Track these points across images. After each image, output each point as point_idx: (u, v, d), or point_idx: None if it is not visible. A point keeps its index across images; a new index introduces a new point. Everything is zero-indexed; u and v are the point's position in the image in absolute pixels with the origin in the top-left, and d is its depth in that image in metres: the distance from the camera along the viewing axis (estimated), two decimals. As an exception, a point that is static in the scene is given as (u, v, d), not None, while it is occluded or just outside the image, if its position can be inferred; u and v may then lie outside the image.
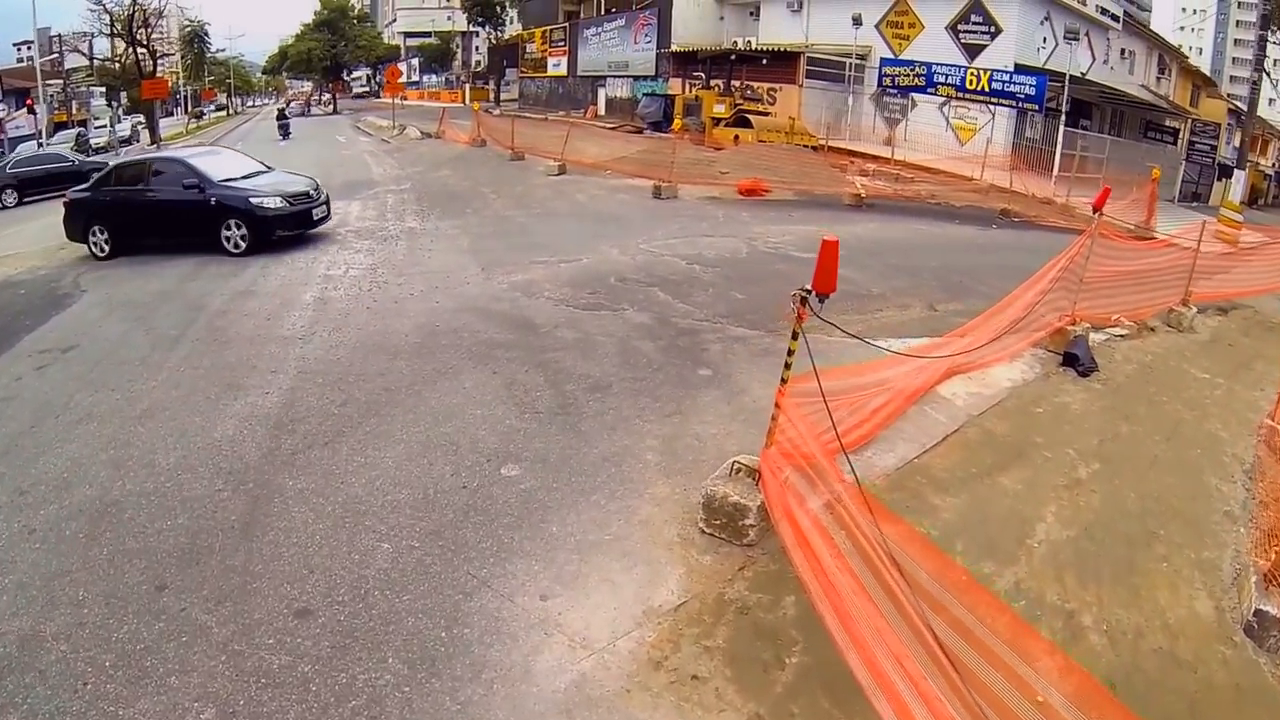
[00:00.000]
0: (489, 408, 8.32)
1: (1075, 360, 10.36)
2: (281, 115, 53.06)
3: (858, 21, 36.48)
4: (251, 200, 15.91)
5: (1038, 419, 8.78)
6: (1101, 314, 11.73)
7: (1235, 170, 30.23)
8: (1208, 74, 67.49)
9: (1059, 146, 29.85)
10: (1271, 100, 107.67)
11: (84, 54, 76.70)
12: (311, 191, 17.23)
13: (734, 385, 9.04)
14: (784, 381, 6.06)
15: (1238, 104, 52.45)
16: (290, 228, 16.38)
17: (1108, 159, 31.13)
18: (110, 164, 16.22)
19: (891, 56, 36.59)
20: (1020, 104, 29.41)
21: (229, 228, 15.72)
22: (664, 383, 9.01)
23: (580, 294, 12.33)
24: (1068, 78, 29.73)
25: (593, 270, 13.80)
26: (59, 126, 64.93)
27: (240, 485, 6.90)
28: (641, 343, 10.22)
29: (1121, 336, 11.76)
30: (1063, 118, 30.11)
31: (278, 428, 7.98)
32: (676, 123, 23.01)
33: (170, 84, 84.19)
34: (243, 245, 15.68)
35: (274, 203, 16.06)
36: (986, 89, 29.75)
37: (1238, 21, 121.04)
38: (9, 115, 67.77)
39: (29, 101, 49.53)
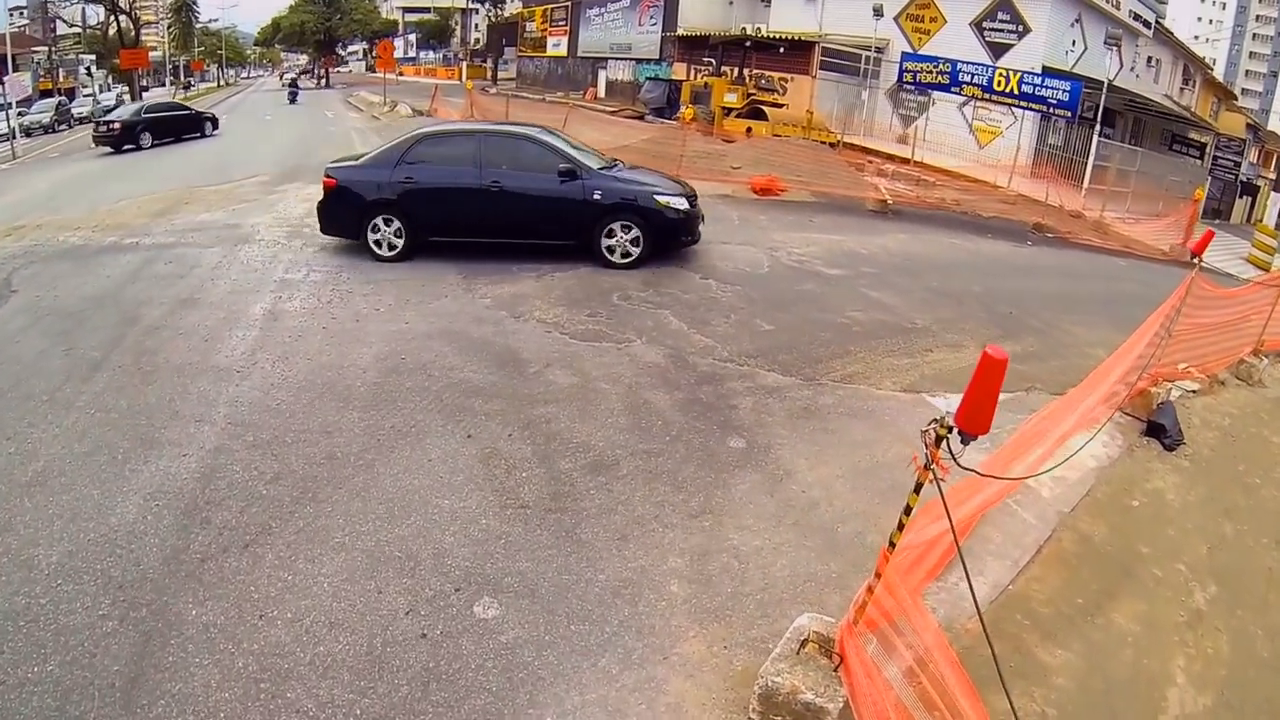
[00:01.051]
0: (460, 496, 6.33)
1: (1161, 431, 8.61)
2: (293, 84, 64.73)
3: (879, 12, 34.40)
4: (657, 197, 12.85)
5: (1135, 516, 7.08)
6: (1168, 366, 10.03)
7: (1274, 191, 28.43)
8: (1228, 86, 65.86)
9: (1091, 157, 27.94)
10: None
11: (65, 21, 74.91)
12: (691, 193, 13.77)
13: (775, 464, 7.08)
14: (892, 546, 4.00)
15: (1255, 119, 50.92)
16: (689, 236, 13.39)
17: (1137, 172, 29.36)
18: (413, 135, 13.23)
19: (912, 51, 34.54)
20: (1052, 110, 27.36)
21: (613, 232, 12.74)
22: (686, 459, 7.02)
23: (577, 316, 10.34)
24: (1106, 85, 27.79)
25: (592, 283, 11.82)
26: (44, 94, 64.83)
27: (131, 610, 5.01)
28: (654, 394, 8.23)
29: (1193, 393, 9.98)
30: (1097, 127, 28.19)
31: (189, 514, 6.03)
32: (688, 111, 20.67)
33: (152, 54, 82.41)
34: (633, 253, 12.75)
35: (680, 203, 13.01)
36: (1016, 91, 27.63)
37: (1254, 35, 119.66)
38: None
39: None
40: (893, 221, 19.11)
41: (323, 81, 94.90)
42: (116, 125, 34.97)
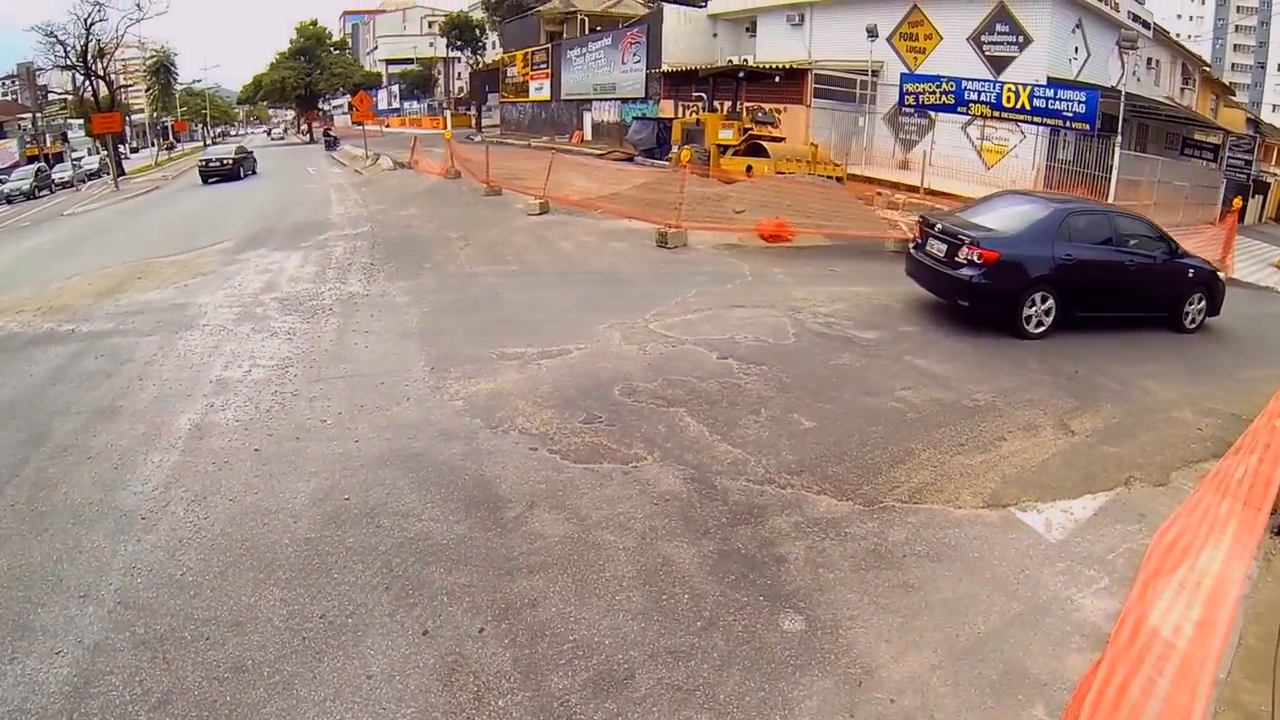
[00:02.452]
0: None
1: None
2: (327, 133, 70.59)
3: (873, 33, 32.65)
4: (1218, 271, 14.45)
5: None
6: None
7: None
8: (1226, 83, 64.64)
9: (1115, 171, 25.88)
10: (1276, 106, 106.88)
11: (54, 90, 74.65)
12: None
13: (848, 655, 5.07)
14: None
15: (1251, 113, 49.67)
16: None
17: (1158, 182, 27.45)
18: (1060, 209, 12.63)
19: (910, 72, 32.71)
20: (1069, 123, 25.37)
21: (1192, 301, 13.68)
22: (727, 661, 4.93)
23: (570, 423, 8.20)
24: (1123, 93, 25.87)
25: (587, 373, 9.68)
26: (31, 160, 65.22)
27: None
28: (676, 546, 6.12)
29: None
30: (1118, 138, 26.21)
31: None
32: (685, 153, 18.59)
33: (137, 115, 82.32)
34: (1197, 322, 13.80)
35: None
36: (1028, 106, 25.63)
37: (1236, 27, 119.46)
38: None
39: None
40: None
41: (308, 137, 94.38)
42: (229, 162, 45.01)
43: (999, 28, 31.56)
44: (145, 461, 7.75)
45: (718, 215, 18.97)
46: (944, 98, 27.94)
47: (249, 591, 5.61)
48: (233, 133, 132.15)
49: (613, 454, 7.49)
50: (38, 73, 72.40)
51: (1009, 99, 26.18)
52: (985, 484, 7.25)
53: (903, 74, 31.65)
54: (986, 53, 31.92)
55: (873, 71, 34.19)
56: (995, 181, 28.22)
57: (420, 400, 8.98)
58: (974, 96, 27.14)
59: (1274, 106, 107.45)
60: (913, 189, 26.08)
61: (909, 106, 30.29)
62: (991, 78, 29.82)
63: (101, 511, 6.84)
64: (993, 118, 27.76)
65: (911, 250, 13.64)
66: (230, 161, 44.89)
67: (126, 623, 5.35)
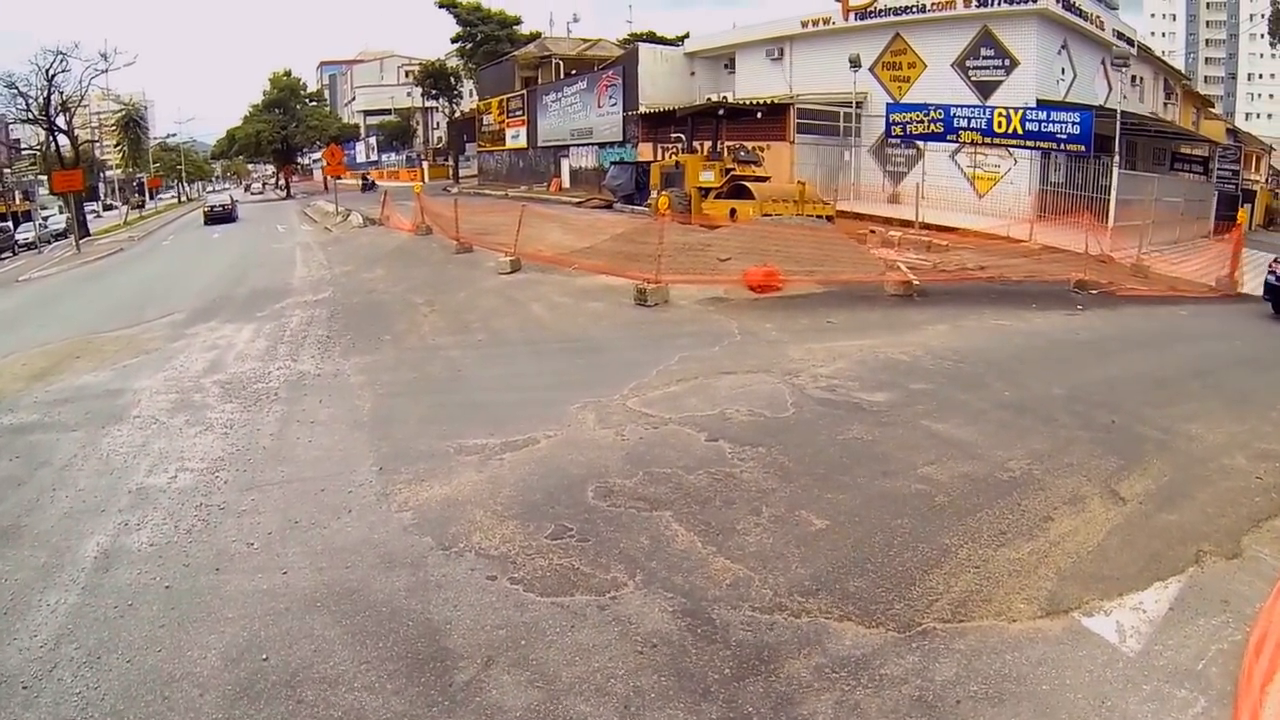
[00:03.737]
0: None
1: None
2: (365, 177, 78.64)
3: (855, 64, 31.88)
4: None
5: None
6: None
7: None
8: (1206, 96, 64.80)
9: (1114, 192, 24.93)
10: (1249, 115, 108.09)
11: (13, 141, 73.65)
12: None
13: None
14: None
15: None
16: None
17: (1155, 200, 26.51)
18: None
19: (895, 101, 31.89)
20: (1063, 145, 24.48)
21: None
22: None
23: (536, 539, 6.87)
24: (1119, 112, 25.00)
25: (556, 469, 8.35)
26: (0, 218, 64.37)
27: None
28: (669, 715, 4.81)
29: None
30: (1117, 158, 25.30)
31: None
32: (662, 200, 17.28)
33: (111, 171, 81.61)
34: None
35: None
36: (1020, 130, 24.75)
37: (1207, 41, 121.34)
38: None
39: None
40: (922, 306, 15.81)
41: (285, 192, 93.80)
42: (228, 205, 61.60)
43: (984, 52, 30.88)
44: (39, 604, 6.49)
45: (701, 265, 17.77)
46: (932, 126, 27.05)
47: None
48: (208, 189, 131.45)
49: (586, 580, 6.17)
50: (10, 126, 71.51)
51: (1000, 124, 25.33)
52: (1039, 584, 6.05)
53: (888, 104, 30.97)
54: (973, 78, 31.23)
55: (856, 103, 33.54)
56: (990, 210, 27.37)
57: (363, 512, 7.70)
58: (963, 123, 26.28)
59: (1247, 115, 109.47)
60: (906, 224, 25.18)
61: (896, 137, 29.51)
62: (979, 103, 29.05)
63: None
64: (984, 144, 26.88)
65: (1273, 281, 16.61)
66: (229, 205, 62.10)
67: None
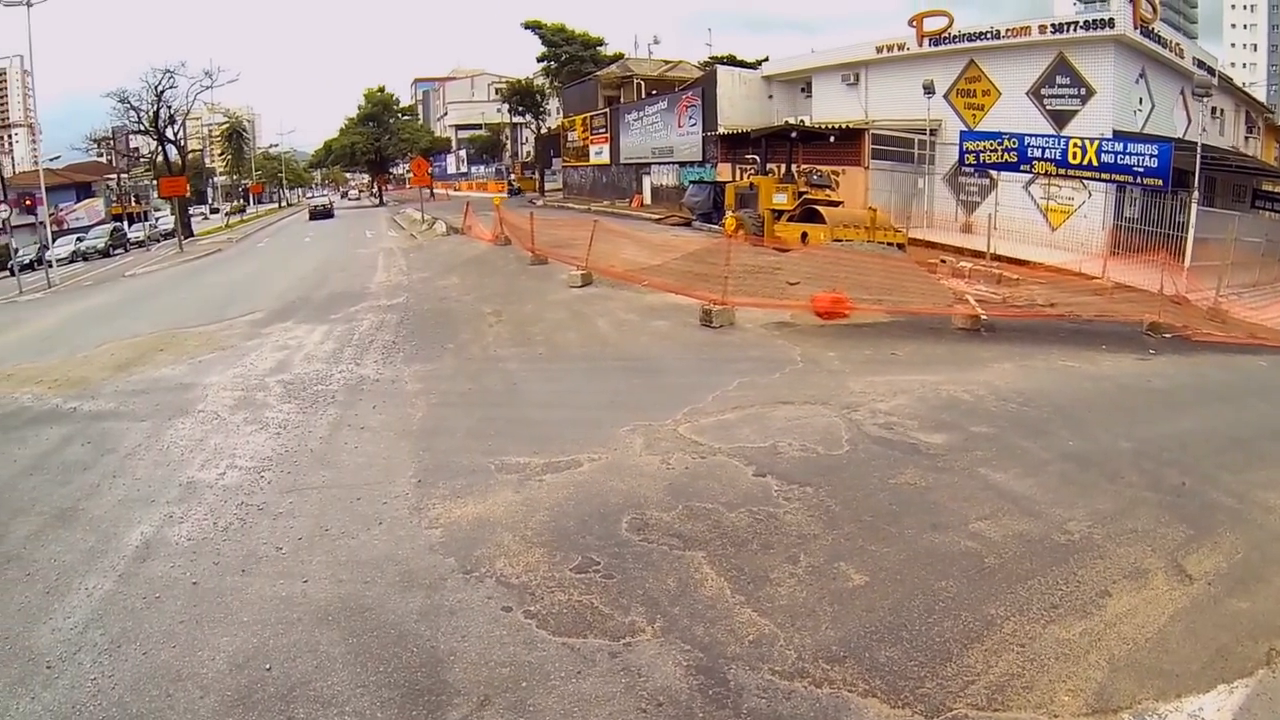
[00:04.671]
0: None
1: None
2: (510, 184, 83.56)
3: (929, 90, 30.98)
4: None
5: None
6: None
7: None
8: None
9: (1191, 230, 23.74)
10: None
11: (132, 149, 77.15)
12: None
13: None
14: None
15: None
16: None
17: (1235, 240, 25.07)
18: None
19: (969, 129, 30.88)
20: (1139, 179, 23.32)
21: None
22: None
23: (560, 570, 6.43)
24: (1199, 145, 23.84)
25: (595, 494, 7.88)
26: (116, 218, 70.35)
27: None
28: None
29: None
30: (1195, 193, 24.13)
31: None
32: (729, 221, 16.77)
33: (193, 179, 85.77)
34: None
35: None
36: (1095, 162, 23.58)
37: None
38: (70, 208, 69.46)
39: (28, 202, 46.52)
40: (989, 342, 14.81)
41: (378, 200, 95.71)
42: (328, 204, 77.23)
43: (1059, 80, 29.70)
44: (79, 587, 6.74)
45: (770, 288, 17.16)
46: (1006, 155, 26.03)
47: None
48: (308, 195, 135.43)
49: (603, 622, 5.69)
50: (130, 135, 74.59)
51: (1075, 155, 24.24)
52: (1089, 673, 5.25)
53: (962, 132, 29.87)
54: (1048, 107, 30.07)
55: (930, 130, 32.60)
56: (1063, 244, 26.33)
57: (393, 526, 7.38)
58: (1037, 153, 25.22)
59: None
60: (978, 254, 24.21)
61: (969, 166, 28.43)
62: (1054, 133, 27.94)
63: (13, 651, 5.86)
64: (1058, 175, 25.83)
65: None
66: (329, 205, 77.86)
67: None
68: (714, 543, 6.77)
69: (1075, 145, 24.31)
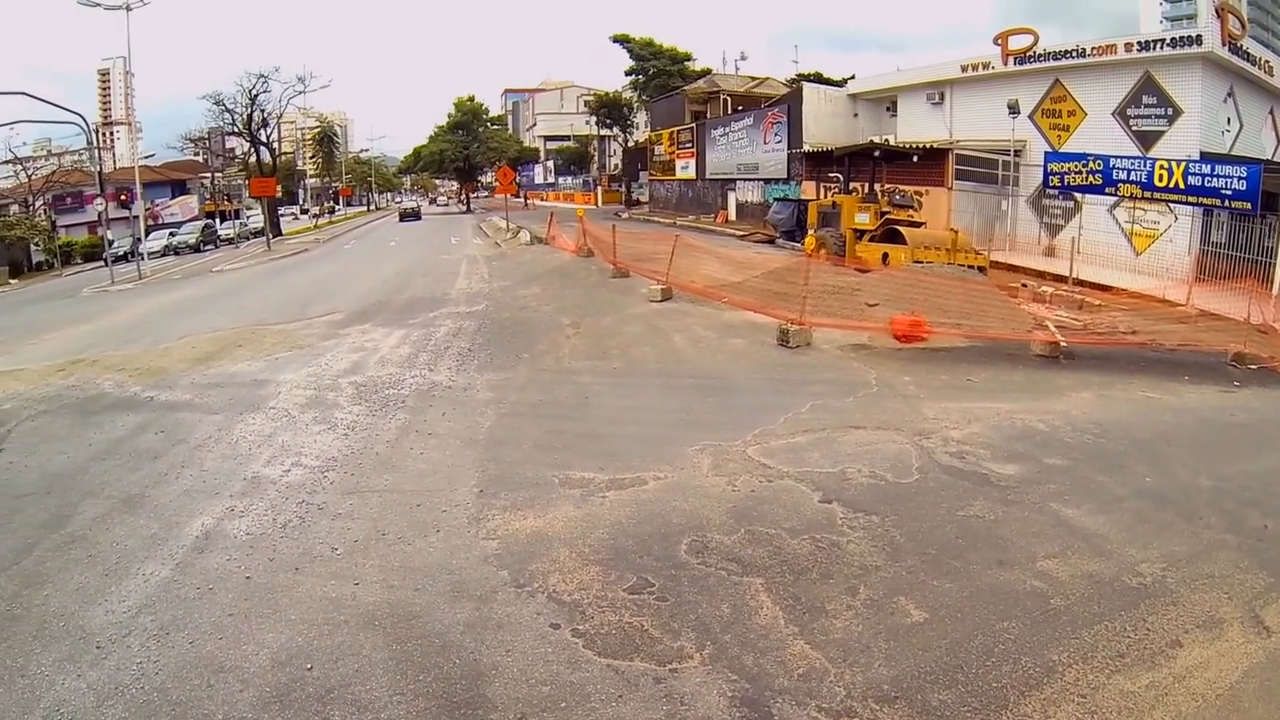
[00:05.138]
0: None
1: None
2: (629, 193, 77.99)
3: (1014, 110, 30.16)
4: None
5: None
6: None
7: None
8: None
9: None
10: None
11: (228, 150, 79.38)
12: None
13: None
14: None
15: None
16: None
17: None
18: None
19: (1054, 150, 30.02)
20: (1227, 202, 22.32)
21: None
22: None
23: (613, 590, 6.27)
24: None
25: (657, 514, 7.67)
26: (209, 215, 73.12)
27: None
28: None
29: None
30: (1289, 216, 23.14)
31: None
32: (809, 240, 16.47)
33: (282, 180, 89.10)
34: None
35: None
36: (1182, 184, 22.54)
37: None
38: (165, 204, 72.04)
39: (124, 197, 48.12)
40: (1068, 370, 14.19)
41: (465, 207, 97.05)
42: (415, 208, 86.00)
43: (1146, 100, 28.69)
44: (137, 572, 6.96)
45: (848, 309, 16.80)
46: (1091, 178, 25.20)
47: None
48: (396, 199, 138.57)
49: (651, 646, 5.51)
50: (224, 136, 76.87)
51: (1161, 177, 23.28)
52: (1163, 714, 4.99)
53: (1046, 152, 28.98)
54: (1133, 127, 29.07)
55: (1015, 151, 31.75)
56: (1147, 269, 25.41)
57: (450, 535, 7.32)
58: (1123, 175, 24.33)
59: None
60: (1060, 279, 23.51)
61: (1054, 187, 27.61)
62: (1140, 154, 27.04)
63: (66, 629, 6.11)
64: (1143, 199, 24.94)
65: None
66: (416, 208, 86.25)
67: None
68: (773, 569, 6.53)
69: (1161, 167, 23.42)
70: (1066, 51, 31.02)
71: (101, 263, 44.79)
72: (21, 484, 9.61)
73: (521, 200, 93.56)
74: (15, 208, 70.46)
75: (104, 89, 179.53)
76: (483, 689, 5.12)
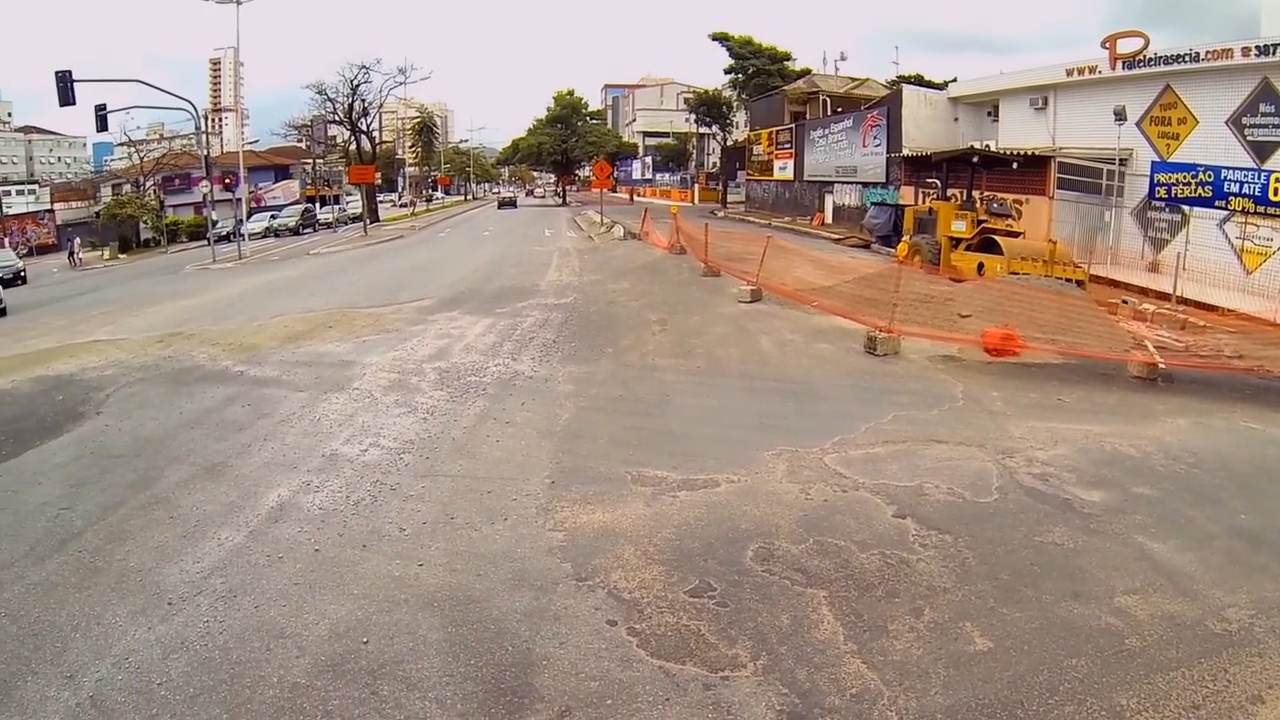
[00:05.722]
0: None
1: None
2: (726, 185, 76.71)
3: (1120, 116, 28.75)
4: None
5: None
6: None
7: None
8: None
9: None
10: None
11: (330, 137, 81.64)
12: None
13: None
14: None
15: None
16: None
17: None
18: None
19: (1162, 160, 28.54)
20: (1345, 217, 21.23)
21: None
22: None
23: (674, 592, 6.16)
24: None
25: (725, 518, 7.51)
26: (309, 200, 76.92)
27: None
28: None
29: None
30: None
31: None
32: (901, 247, 16.15)
33: (409, 168, 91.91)
34: None
35: None
36: (1298, 199, 21.60)
37: None
38: (268, 188, 74.58)
39: (228, 180, 49.91)
40: (1165, 394, 13.41)
41: (561, 199, 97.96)
42: (512, 197, 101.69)
43: (1263, 109, 27.09)
44: (213, 535, 7.40)
45: (940, 319, 16.39)
46: (1200, 190, 23.95)
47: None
48: (494, 189, 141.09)
49: (706, 651, 5.40)
50: (327, 125, 79.15)
51: (1277, 191, 22.08)
52: None
53: (1153, 162, 27.49)
54: (1249, 137, 27.47)
55: (1120, 160, 30.31)
56: (1258, 289, 24.24)
57: (518, 524, 7.35)
58: (1235, 188, 23.07)
59: None
60: (1163, 296, 22.62)
61: (1160, 199, 26.28)
62: (1255, 166, 25.73)
63: (142, 584, 6.57)
64: (1255, 213, 23.77)
65: None
66: (513, 197, 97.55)
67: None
68: (838, 583, 6.33)
69: (1277, 181, 22.34)
70: (1178, 56, 29.53)
71: (204, 242, 46.62)
72: (114, 446, 10.18)
73: (626, 196, 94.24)
74: (127, 187, 74.17)
75: (214, 77, 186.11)
76: (531, 678, 5.12)
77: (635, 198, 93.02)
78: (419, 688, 5.02)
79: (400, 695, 4.95)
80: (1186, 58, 28.97)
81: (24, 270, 46.43)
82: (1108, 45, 31.87)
